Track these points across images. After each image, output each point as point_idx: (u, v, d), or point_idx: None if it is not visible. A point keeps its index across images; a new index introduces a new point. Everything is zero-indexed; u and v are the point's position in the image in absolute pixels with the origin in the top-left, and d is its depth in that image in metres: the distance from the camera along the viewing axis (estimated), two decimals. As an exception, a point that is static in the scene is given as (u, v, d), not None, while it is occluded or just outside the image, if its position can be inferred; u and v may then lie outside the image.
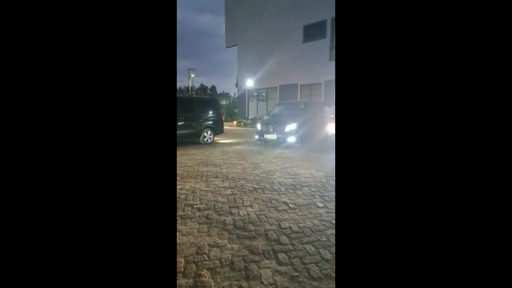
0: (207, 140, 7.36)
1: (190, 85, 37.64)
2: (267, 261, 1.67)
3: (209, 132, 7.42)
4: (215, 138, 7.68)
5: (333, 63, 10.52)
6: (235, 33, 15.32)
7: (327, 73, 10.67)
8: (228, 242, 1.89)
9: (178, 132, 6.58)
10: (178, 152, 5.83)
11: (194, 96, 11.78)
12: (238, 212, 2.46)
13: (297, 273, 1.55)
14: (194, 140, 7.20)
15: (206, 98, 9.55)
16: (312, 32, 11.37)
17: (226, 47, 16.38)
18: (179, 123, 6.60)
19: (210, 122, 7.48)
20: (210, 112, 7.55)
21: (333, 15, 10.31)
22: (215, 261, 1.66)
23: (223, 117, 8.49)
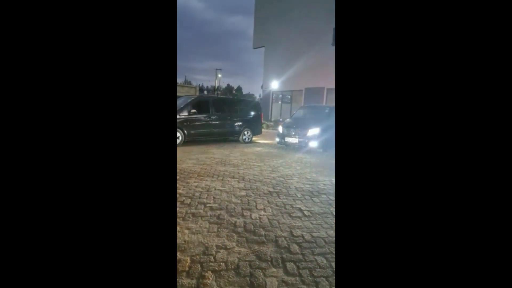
0: (246, 139, 7.70)
1: (216, 85, 38.56)
2: (274, 270, 1.60)
3: (248, 132, 7.77)
4: (253, 138, 8.00)
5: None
6: (263, 34, 15.38)
7: (356, 77, 10.25)
8: (236, 245, 1.85)
9: (221, 130, 7.12)
10: (199, 150, 5.95)
11: (235, 97, 12.46)
12: (250, 215, 2.41)
13: (304, 286, 1.46)
14: (234, 138, 7.59)
15: (248, 100, 10.03)
16: (342, 34, 11.04)
17: (254, 48, 16.50)
18: (223, 122, 7.06)
19: (250, 123, 7.85)
20: (251, 113, 7.91)
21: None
22: (221, 263, 1.63)
23: (262, 118, 8.84)
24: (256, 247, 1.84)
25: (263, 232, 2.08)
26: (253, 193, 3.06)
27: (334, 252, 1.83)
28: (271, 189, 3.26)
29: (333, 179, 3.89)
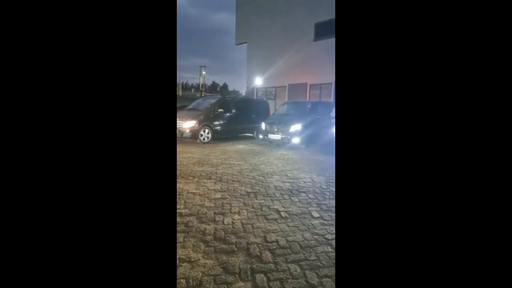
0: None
1: (201, 82, 37.78)
2: (241, 284, 1.43)
3: None
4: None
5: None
6: (246, 30, 15.11)
7: (338, 72, 10.26)
8: (203, 257, 1.67)
9: (240, 127, 7.74)
10: (178, 150, 5.68)
11: (244, 97, 12.99)
12: (223, 220, 2.24)
13: (273, 302, 1.31)
14: (252, 135, 8.13)
15: (259, 100, 10.64)
16: (323, 30, 10.97)
17: (236, 44, 16.21)
18: (242, 120, 7.67)
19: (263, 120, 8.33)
20: (263, 112, 8.33)
21: (346, 12, 9.89)
22: (181, 280, 1.44)
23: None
24: (225, 258, 1.67)
25: (234, 240, 1.91)
26: (229, 195, 2.88)
27: (308, 258, 1.69)
28: (249, 190, 3.10)
29: (314, 176, 3.78)
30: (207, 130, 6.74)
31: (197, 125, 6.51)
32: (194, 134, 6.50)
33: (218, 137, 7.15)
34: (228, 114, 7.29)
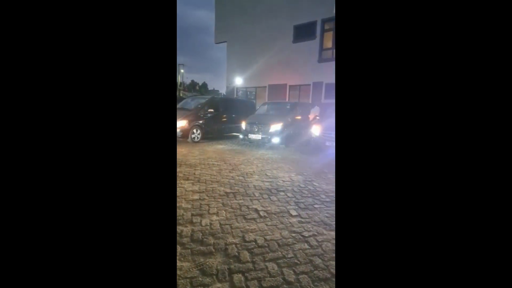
0: None
1: (179, 81, 36.83)
2: (218, 285, 1.42)
3: None
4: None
5: (322, 65, 10.39)
6: (225, 29, 14.99)
7: (316, 74, 10.52)
8: (179, 260, 1.63)
9: (228, 126, 7.81)
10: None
11: (235, 98, 12.96)
12: (200, 222, 2.20)
13: (251, 301, 1.31)
14: (236, 134, 8.00)
15: (247, 100, 10.68)
16: (302, 32, 11.19)
17: (216, 43, 16.02)
18: (230, 119, 7.75)
19: None
20: (249, 112, 8.33)
21: (323, 16, 10.16)
22: (156, 284, 1.39)
23: None
24: (202, 259, 1.64)
25: (212, 241, 1.88)
26: (207, 196, 2.84)
27: (286, 256, 1.72)
28: (228, 190, 3.08)
29: (293, 175, 3.85)
30: (198, 130, 6.85)
31: (187, 125, 6.58)
32: (185, 134, 6.59)
33: (207, 136, 7.25)
34: (217, 114, 7.40)
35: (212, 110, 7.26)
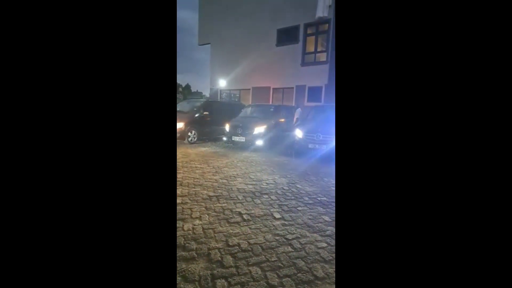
0: None
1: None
2: (201, 292, 1.38)
3: None
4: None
5: (305, 68, 10.60)
6: (209, 30, 14.87)
7: (299, 78, 10.72)
8: (159, 267, 1.57)
9: (218, 128, 7.85)
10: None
11: (233, 101, 12.86)
12: (183, 226, 2.14)
13: (234, 307, 1.29)
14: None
15: (238, 103, 10.71)
16: (285, 36, 11.37)
17: (199, 45, 15.85)
18: (220, 121, 7.71)
19: None
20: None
21: (306, 21, 10.40)
22: (134, 294, 1.34)
23: None
24: (184, 266, 1.60)
25: (194, 246, 1.84)
26: (190, 200, 2.78)
27: (269, 260, 1.72)
28: (211, 193, 3.03)
29: (276, 178, 3.87)
30: (194, 132, 7.20)
31: (184, 127, 6.89)
32: (182, 136, 6.91)
33: (202, 138, 7.58)
34: (211, 116, 7.70)
35: (207, 112, 7.55)
